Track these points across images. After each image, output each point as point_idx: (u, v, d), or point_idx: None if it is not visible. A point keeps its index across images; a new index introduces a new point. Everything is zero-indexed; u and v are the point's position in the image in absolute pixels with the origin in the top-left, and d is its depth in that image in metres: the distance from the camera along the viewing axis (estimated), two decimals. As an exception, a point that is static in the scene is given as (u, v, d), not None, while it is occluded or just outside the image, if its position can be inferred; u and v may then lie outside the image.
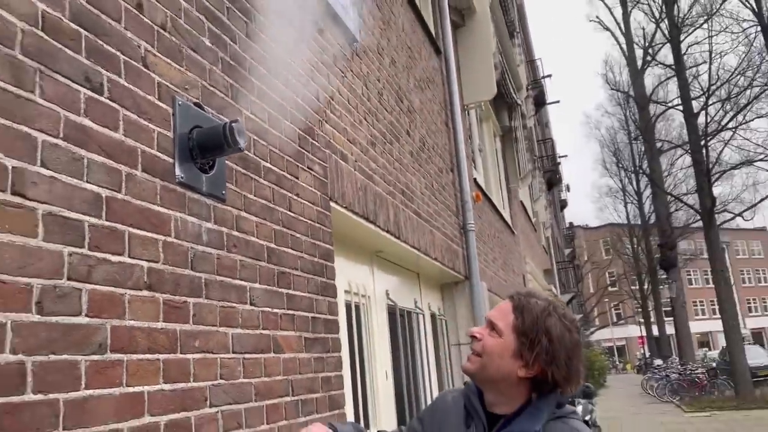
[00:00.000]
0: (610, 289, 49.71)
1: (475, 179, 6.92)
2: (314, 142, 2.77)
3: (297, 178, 2.55)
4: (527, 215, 12.84)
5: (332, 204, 2.87)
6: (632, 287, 44.64)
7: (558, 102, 29.94)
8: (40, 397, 1.23)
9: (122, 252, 1.52)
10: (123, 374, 1.46)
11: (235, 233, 2.04)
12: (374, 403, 3.66)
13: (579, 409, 12.50)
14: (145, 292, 1.58)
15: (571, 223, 42.85)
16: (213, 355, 1.81)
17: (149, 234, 1.63)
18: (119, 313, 1.48)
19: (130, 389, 1.48)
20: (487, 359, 1.54)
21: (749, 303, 59.21)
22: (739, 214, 19.52)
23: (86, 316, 1.38)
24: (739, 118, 17.97)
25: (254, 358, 2.02)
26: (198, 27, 2.02)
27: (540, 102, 22.52)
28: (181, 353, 1.68)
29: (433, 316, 5.32)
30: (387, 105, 4.04)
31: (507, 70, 8.99)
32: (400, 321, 4.24)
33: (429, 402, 3.94)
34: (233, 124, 1.86)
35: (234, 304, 1.96)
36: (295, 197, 2.51)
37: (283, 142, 2.48)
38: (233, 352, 1.91)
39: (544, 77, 24.98)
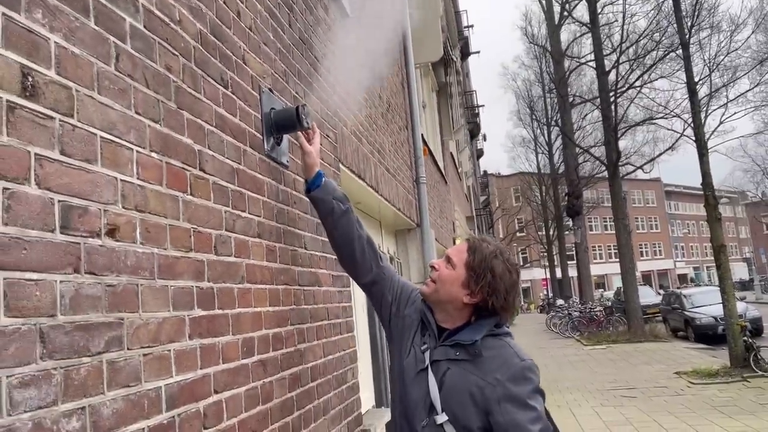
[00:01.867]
0: (518, 234, 52.48)
1: (422, 135, 7.53)
2: (330, 113, 3.28)
3: (322, 145, 3.07)
4: (455, 166, 13.69)
5: (340, 165, 3.42)
6: (539, 233, 47.36)
7: (478, 53, 30.77)
8: (220, 311, 1.77)
9: (245, 209, 2.05)
10: (251, 298, 2.01)
11: (294, 192, 2.57)
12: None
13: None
14: (257, 239, 2.11)
15: (485, 171, 44.59)
16: (289, 287, 2.37)
17: (256, 195, 2.15)
18: (247, 254, 2.01)
19: (254, 309, 2.03)
20: (441, 285, 1.97)
21: (641, 248, 64.20)
22: (640, 167, 21.27)
23: (234, 256, 1.91)
24: (645, 77, 19.41)
25: (309, 290, 2.60)
26: (265, 23, 2.48)
27: (465, 53, 23.19)
28: (275, 284, 2.23)
29: (390, 258, 5.99)
30: (367, 73, 4.56)
31: (446, 29, 9.54)
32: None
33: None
34: (303, 107, 2.37)
35: (296, 248, 2.51)
36: (322, 161, 3.04)
37: (313, 115, 2.99)
38: (298, 285, 2.48)
39: (467, 27, 25.63)
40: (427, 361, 2.00)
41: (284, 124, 2.38)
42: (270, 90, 2.43)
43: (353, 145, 3.77)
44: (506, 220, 51.36)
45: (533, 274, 57.73)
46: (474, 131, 24.40)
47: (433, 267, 2.09)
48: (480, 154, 36.71)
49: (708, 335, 18.13)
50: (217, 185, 1.85)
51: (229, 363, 1.79)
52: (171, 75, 1.65)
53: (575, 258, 28.26)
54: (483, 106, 35.64)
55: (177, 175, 1.63)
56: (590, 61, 22.37)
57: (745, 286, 44.85)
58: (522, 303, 53.01)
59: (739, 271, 52.57)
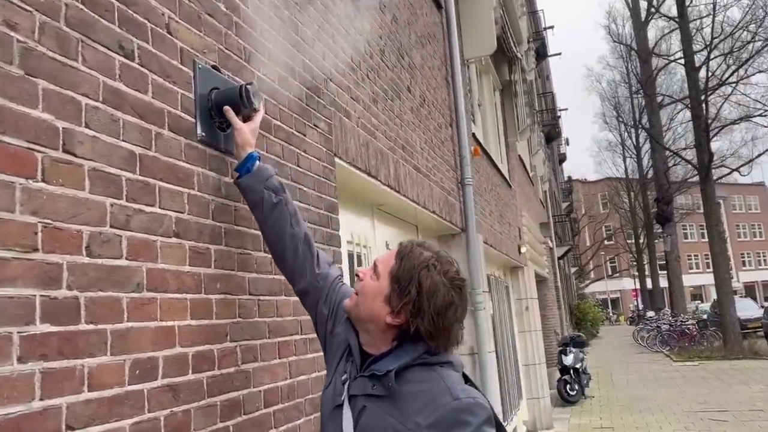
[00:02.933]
0: (606, 242, 50.26)
1: (473, 134, 7.05)
2: (320, 100, 2.93)
3: (304, 135, 2.72)
4: (525, 169, 13.01)
5: (336, 159, 3.05)
6: (628, 241, 45.14)
7: (559, 54, 29.62)
8: (91, 327, 1.44)
9: (154, 203, 1.71)
10: (157, 310, 1.67)
11: (250, 186, 2.22)
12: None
13: (570, 357, 12.94)
14: (173, 239, 1.77)
15: (569, 177, 43.02)
16: (230, 297, 2.02)
17: (176, 187, 1.81)
18: (153, 257, 1.67)
19: (161, 323, 1.68)
20: (361, 299, 1.60)
21: (743, 257, 59.93)
22: (736, 169, 19.72)
23: (126, 258, 1.58)
24: (740, 72, 17.95)
25: (268, 300, 2.24)
26: (214, -7, 2.15)
27: (541, 54, 22.36)
28: (204, 294, 1.88)
29: (430, 266, 5.55)
30: (388, 62, 4.17)
31: (507, 24, 9.01)
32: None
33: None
34: (248, 86, 2.02)
35: (249, 252, 2.16)
36: (303, 153, 2.68)
37: (291, 100, 2.64)
38: (248, 294, 2.12)
39: (545, 29, 24.72)
40: (344, 395, 1.60)
41: (229, 104, 2.03)
42: (215, 68, 2.09)
43: (360, 139, 3.39)
44: (593, 228, 49.30)
45: (623, 285, 55.17)
46: (551, 134, 23.41)
47: (357, 276, 1.69)
48: (563, 158, 35.42)
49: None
50: (99, 172, 1.52)
51: (103, 390, 1.45)
52: (16, 34, 1.34)
53: (667, 267, 26.56)
54: (566, 109, 34.39)
55: (15, 156, 1.31)
56: (679, 58, 20.96)
57: None
58: (611, 314, 50.69)
59: None
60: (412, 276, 1.53)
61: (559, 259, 20.75)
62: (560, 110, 30.55)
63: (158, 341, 1.65)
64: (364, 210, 4.03)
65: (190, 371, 1.77)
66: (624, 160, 40.24)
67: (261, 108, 2.11)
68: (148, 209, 1.68)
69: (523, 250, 10.02)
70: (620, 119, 36.73)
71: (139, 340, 1.58)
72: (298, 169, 2.62)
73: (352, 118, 3.33)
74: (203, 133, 1.97)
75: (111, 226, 1.54)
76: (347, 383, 1.63)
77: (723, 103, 18.97)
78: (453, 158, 5.83)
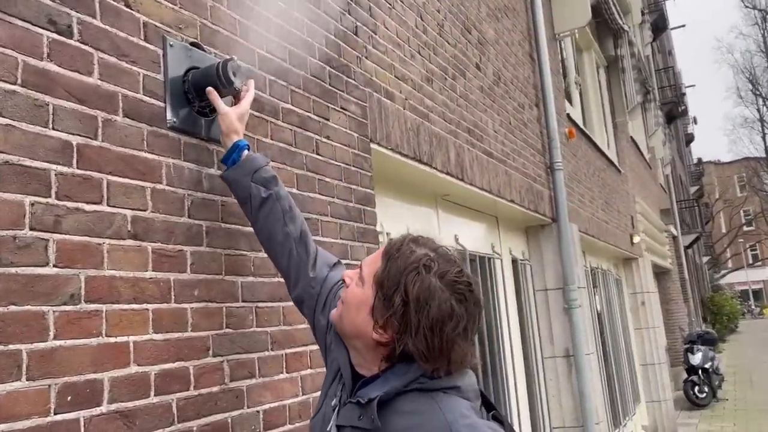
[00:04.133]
0: (745, 228, 46.10)
1: (568, 114, 6.45)
2: (349, 80, 2.62)
3: (327, 119, 2.42)
4: (639, 152, 11.98)
5: (373, 146, 2.73)
6: (771, 226, 41.07)
7: (683, 26, 27.27)
8: (-1, 347, 1.23)
9: (99, 201, 1.48)
10: (102, 324, 1.43)
11: (245, 178, 1.95)
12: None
13: (698, 356, 11.75)
14: (129, 242, 1.54)
15: (699, 159, 39.83)
16: (214, 305, 1.76)
17: (133, 181, 1.58)
18: (96, 263, 1.45)
19: (112, 339, 1.45)
20: (345, 310, 1.31)
21: None
22: None
23: (54, 266, 1.35)
24: None
25: (267, 307, 1.96)
26: (196, -39, 1.91)
27: (660, 27, 20.73)
28: (177, 302, 1.64)
29: (514, 261, 5.08)
30: (449, 37, 3.78)
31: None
32: (470, 266, 4.07)
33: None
34: (228, 63, 1.75)
35: (243, 252, 1.90)
36: (324, 139, 2.39)
37: (309, 81, 2.35)
38: (241, 301, 1.86)
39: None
40: (331, 425, 1.30)
41: (204, 87, 1.78)
42: (195, 45, 1.84)
43: (408, 122, 3.05)
44: (729, 213, 45.34)
45: (767, 274, 50.37)
46: (674, 113, 21.58)
47: (344, 281, 1.37)
48: (690, 139, 32.79)
49: None
50: (14, 167, 1.31)
51: (15, 422, 1.23)
52: None
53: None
54: (693, 85, 31.84)
55: None
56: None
57: None
58: (753, 307, 46.48)
59: None
60: (398, 281, 1.21)
61: (686, 248, 19.12)
62: (685, 87, 28.27)
63: (102, 361, 1.42)
64: (424, 201, 3.68)
65: (152, 393, 1.53)
66: (764, 138, 36.55)
67: (249, 88, 1.84)
68: (90, 207, 1.46)
69: (636, 239, 9.17)
70: (757, 92, 33.40)
71: (72, 361, 1.35)
72: (317, 157, 2.33)
73: (396, 100, 2.99)
74: (174, 119, 1.72)
75: (31, 229, 1.32)
76: (336, 409, 1.33)
77: None
78: (540, 141, 5.31)
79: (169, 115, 1.71)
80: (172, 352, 1.60)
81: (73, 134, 1.44)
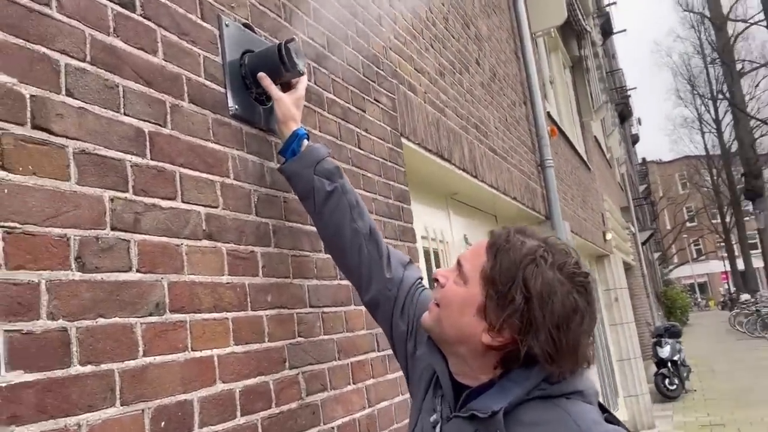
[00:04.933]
0: (688, 224, 47.77)
1: (548, 113, 6.46)
2: (379, 70, 2.48)
3: (364, 111, 2.27)
4: (601, 151, 12.19)
5: (403, 140, 2.59)
6: (713, 221, 42.70)
7: (624, 31, 28.14)
8: (90, 368, 1.03)
9: (174, 196, 1.30)
10: (187, 337, 1.25)
11: (302, 173, 1.79)
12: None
13: (667, 349, 12.00)
14: (204, 242, 1.35)
15: (643, 159, 41.11)
16: (286, 312, 1.59)
17: (204, 175, 1.40)
18: (177, 267, 1.26)
19: (197, 354, 1.27)
20: (444, 313, 1.17)
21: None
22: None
23: (138, 271, 1.17)
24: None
25: (333, 312, 1.80)
26: (240, -63, 1.74)
27: (607, 31, 21.29)
28: (252, 309, 1.46)
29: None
30: (454, 31, 3.68)
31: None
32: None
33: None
34: (289, 44, 1.59)
35: (305, 253, 1.73)
36: (364, 133, 2.24)
37: (346, 70, 2.20)
38: (308, 306, 1.69)
39: (609, 4, 23.52)
40: None
41: (266, 70, 1.61)
42: (247, 26, 1.67)
43: (429, 117, 2.92)
44: (673, 210, 46.91)
45: (710, 268, 52.28)
46: (624, 114, 22.19)
47: (436, 280, 1.22)
48: (635, 139, 33.80)
49: None
50: (91, 156, 1.12)
51: (112, 456, 1.04)
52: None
53: (760, 246, 24.76)
54: (635, 88, 32.86)
55: (-45, 134, 0.91)
56: (761, 20, 19.42)
57: None
58: (699, 300, 48.11)
59: None
60: (514, 275, 1.08)
61: (642, 244, 19.61)
62: (629, 89, 29.16)
63: (191, 379, 1.24)
64: (437, 200, 3.55)
65: (239, 413, 1.35)
66: (702, 136, 37.95)
67: (305, 73, 1.68)
68: (166, 204, 1.27)
69: (608, 236, 9.27)
70: (696, 92, 34.70)
71: (163, 381, 1.17)
72: (360, 151, 2.17)
73: (418, 93, 2.86)
74: (237, 107, 1.55)
75: (113, 229, 1.13)
76: (438, 426, 1.18)
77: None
78: (530, 139, 5.27)
79: (230, 102, 1.54)
80: (252, 366, 1.42)
81: (144, 120, 1.26)
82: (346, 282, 1.88)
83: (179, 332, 1.23)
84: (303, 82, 1.66)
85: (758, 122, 22.36)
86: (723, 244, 39.52)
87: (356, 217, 1.52)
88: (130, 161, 1.20)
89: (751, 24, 21.29)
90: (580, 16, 8.98)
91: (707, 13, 25.45)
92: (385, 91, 2.49)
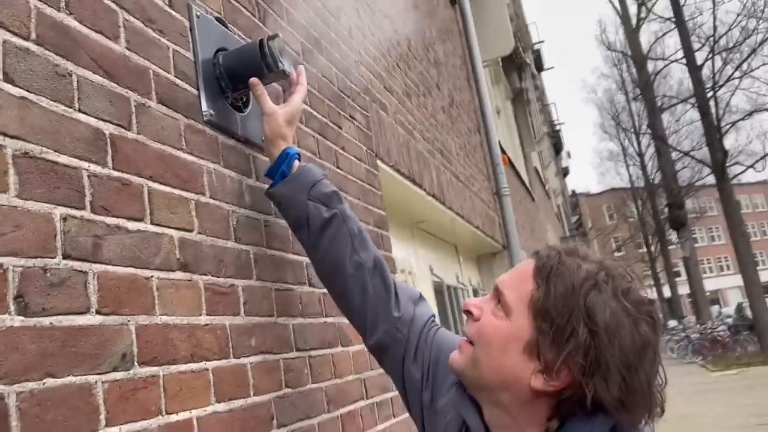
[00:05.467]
0: (616, 254, 49.43)
1: (499, 141, 6.42)
2: (353, 85, 2.27)
3: (340, 127, 2.05)
4: (541, 182, 12.37)
5: (378, 162, 2.38)
6: (639, 251, 44.34)
7: (552, 68, 29.26)
8: (34, 449, 0.74)
9: (142, 216, 1.03)
10: (160, 397, 0.97)
11: (283, 193, 1.54)
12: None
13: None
14: (180, 274, 1.08)
15: (573, 191, 42.48)
16: (271, 357, 1.32)
17: (177, 191, 1.13)
18: (147, 306, 0.98)
19: (173, 418, 0.99)
20: (482, 351, 0.96)
21: (756, 257, 58.99)
22: (751, 166, 19.04)
23: (98, 313, 0.89)
24: (744, 66, 17.43)
25: (320, 355, 1.53)
26: None
27: (538, 68, 22.01)
28: (233, 357, 1.19)
29: (475, 291, 4.85)
30: (416, 53, 3.53)
31: (517, 20, 8.46)
32: (448, 298, 3.77)
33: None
34: (272, 41, 1.36)
35: (290, 286, 1.47)
36: (341, 151, 2.01)
37: (322, 82, 1.98)
38: (295, 350, 1.42)
39: (538, 43, 24.40)
40: None
41: (242, 71, 1.36)
42: (220, 21, 1.43)
43: (400, 138, 2.73)
44: (602, 241, 48.48)
45: (637, 295, 54.03)
46: (558, 146, 22.86)
47: (469, 313, 1.00)
48: (566, 172, 34.90)
49: None
50: (37, 160, 0.85)
51: None
52: None
53: (685, 274, 25.77)
54: (563, 123, 34.06)
55: None
56: (680, 59, 20.47)
57: None
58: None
59: None
60: (574, 305, 0.88)
61: (578, 274, 19.98)
62: (559, 123, 30.17)
63: (166, 451, 0.95)
64: (404, 229, 3.34)
65: (223, 490, 1.06)
66: (627, 169, 39.52)
67: (300, 79, 1.44)
68: (133, 226, 1.00)
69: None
70: (620, 127, 36.20)
71: (132, 457, 0.88)
72: (339, 171, 1.94)
73: (389, 112, 2.66)
74: (212, 112, 1.29)
75: (66, 257, 0.85)
76: None
77: (731, 97, 18.46)
78: (485, 167, 5.17)
79: (204, 106, 1.28)
80: (237, 427, 1.14)
81: (104, 120, 0.99)
82: (331, 319, 1.62)
83: (151, 391, 0.95)
84: (299, 94, 1.41)
85: (680, 154, 23.42)
86: (650, 272, 41.01)
87: (358, 248, 1.28)
88: (87, 170, 0.93)
89: (671, 62, 22.42)
90: (520, 49, 9.12)
91: (628, 51, 26.73)
92: (359, 107, 2.27)
